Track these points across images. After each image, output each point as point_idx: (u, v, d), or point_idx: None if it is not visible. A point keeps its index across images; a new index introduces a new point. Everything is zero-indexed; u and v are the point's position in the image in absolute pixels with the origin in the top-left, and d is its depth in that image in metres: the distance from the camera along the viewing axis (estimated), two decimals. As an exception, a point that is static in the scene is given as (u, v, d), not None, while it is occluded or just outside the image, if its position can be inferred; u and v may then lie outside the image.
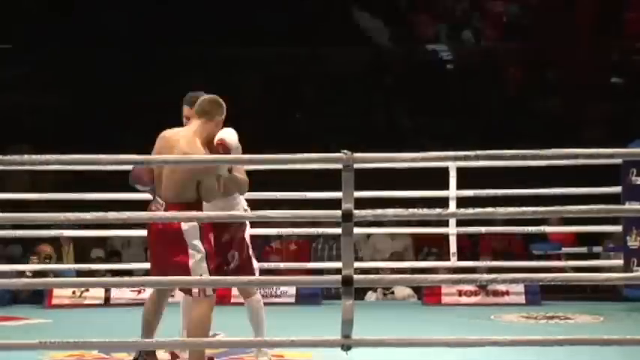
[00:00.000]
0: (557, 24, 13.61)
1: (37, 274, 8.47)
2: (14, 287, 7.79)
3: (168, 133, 5.53)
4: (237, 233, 5.77)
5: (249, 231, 5.84)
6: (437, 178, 8.29)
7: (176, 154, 5.36)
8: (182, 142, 5.38)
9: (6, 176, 11.08)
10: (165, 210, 5.37)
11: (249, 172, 5.83)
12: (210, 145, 5.47)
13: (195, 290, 5.33)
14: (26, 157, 4.97)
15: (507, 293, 8.40)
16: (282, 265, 8.70)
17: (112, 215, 5.18)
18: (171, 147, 5.40)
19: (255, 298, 5.84)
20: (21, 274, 8.44)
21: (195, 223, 5.31)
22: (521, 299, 8.39)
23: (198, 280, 5.33)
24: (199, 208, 5.36)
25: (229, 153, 5.42)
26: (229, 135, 5.48)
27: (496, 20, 14.58)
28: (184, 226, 5.27)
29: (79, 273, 8.76)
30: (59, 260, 9.30)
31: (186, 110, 5.72)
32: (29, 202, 8.66)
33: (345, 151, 4.70)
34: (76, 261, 9.45)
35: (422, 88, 13.69)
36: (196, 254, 5.29)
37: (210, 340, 5.81)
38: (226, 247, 5.73)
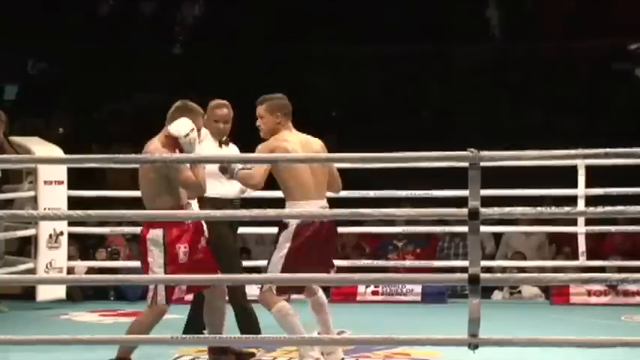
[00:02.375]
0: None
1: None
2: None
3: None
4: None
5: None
6: (565, 175, 8.17)
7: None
8: None
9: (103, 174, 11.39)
10: None
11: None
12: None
13: None
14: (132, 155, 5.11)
15: (638, 293, 8.23)
16: (407, 262, 8.68)
17: (219, 213, 5.26)
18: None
19: (319, 295, 5.71)
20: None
21: None
22: (654, 299, 8.22)
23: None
24: None
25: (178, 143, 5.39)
26: (175, 125, 5.45)
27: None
28: None
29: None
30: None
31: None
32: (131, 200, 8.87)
33: (472, 149, 4.67)
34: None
35: (550, 86, 13.51)
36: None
37: (337, 337, 5.85)
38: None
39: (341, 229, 8.75)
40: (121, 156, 5.06)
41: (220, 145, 6.24)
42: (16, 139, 8.16)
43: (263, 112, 5.59)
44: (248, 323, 6.15)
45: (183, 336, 5.13)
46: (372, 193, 7.97)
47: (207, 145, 6.15)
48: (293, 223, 5.40)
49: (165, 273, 5.36)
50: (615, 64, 13.87)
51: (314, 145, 5.59)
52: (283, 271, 5.38)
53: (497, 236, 9.91)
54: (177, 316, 7.72)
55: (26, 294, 8.25)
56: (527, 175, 7.74)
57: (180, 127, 5.41)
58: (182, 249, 5.39)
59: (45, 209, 7.92)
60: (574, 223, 8.26)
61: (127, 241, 9.21)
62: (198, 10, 15.74)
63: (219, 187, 6.11)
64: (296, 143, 5.53)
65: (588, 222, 8.23)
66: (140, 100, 14.30)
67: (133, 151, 5.59)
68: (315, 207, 5.45)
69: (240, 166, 5.49)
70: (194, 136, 5.40)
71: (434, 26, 13.79)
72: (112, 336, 5.58)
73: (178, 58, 15.23)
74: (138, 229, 8.77)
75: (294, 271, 5.30)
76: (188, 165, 5.39)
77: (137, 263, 8.74)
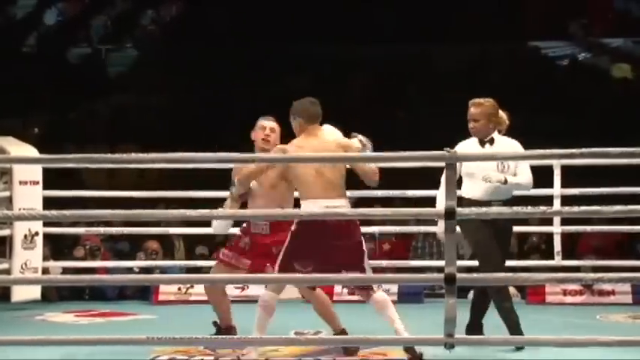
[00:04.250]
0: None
1: (144, 270, 8.61)
2: (122, 283, 7.99)
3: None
4: None
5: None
6: (541, 176, 8.19)
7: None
8: None
9: (115, 174, 11.34)
10: None
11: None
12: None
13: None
14: (134, 155, 5.09)
15: (613, 293, 8.26)
16: (384, 262, 8.68)
17: (217, 212, 5.26)
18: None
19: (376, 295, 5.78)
20: (129, 270, 8.59)
21: None
22: (628, 299, 8.24)
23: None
24: None
25: None
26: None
27: (604, 15, 14.34)
28: None
29: (186, 269, 8.88)
30: (170, 257, 9.44)
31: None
32: (136, 200, 8.83)
33: (448, 148, 4.69)
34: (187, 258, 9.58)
35: (529, 86, 13.55)
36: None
37: (314, 337, 5.85)
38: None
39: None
40: (97, 156, 5.04)
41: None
42: (-9, 140, 8.12)
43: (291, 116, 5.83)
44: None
45: (159, 336, 5.11)
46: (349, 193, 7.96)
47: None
48: (294, 222, 5.59)
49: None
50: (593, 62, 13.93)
51: (331, 147, 5.65)
52: (279, 265, 5.56)
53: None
54: (153, 316, 7.72)
55: (1, 295, 8.20)
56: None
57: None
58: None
59: (20, 209, 7.88)
60: (550, 222, 8.30)
61: (101, 241, 9.17)
62: (175, 10, 15.72)
63: (474, 188, 6.17)
64: (304, 148, 5.65)
65: (564, 222, 8.26)
66: (116, 100, 14.26)
67: (109, 151, 5.57)
68: (319, 206, 5.54)
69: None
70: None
71: (414, 27, 13.81)
72: (86, 336, 5.55)
73: (153, 58, 15.19)
74: (113, 230, 8.87)
75: (288, 267, 5.50)
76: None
77: (116, 263, 8.80)
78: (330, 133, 5.79)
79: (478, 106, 6.21)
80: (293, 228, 5.58)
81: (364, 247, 5.70)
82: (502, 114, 6.32)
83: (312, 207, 5.57)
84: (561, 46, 14.58)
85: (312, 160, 5.58)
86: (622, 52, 14.40)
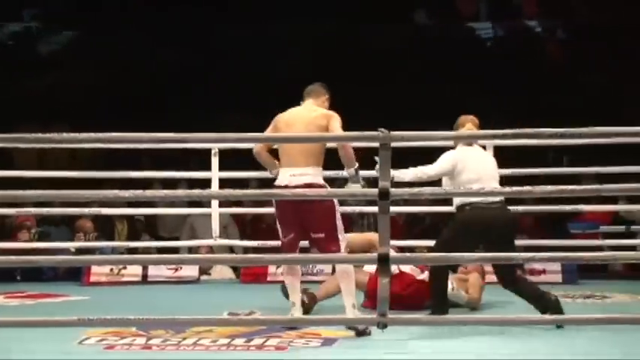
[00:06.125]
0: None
1: (78, 251, 8.52)
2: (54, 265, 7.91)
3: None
4: None
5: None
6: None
7: None
8: None
9: (43, 154, 11.18)
10: None
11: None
12: None
13: None
14: (66, 135, 5.01)
15: (544, 272, 8.36)
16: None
17: (149, 193, 5.21)
18: None
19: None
20: (63, 251, 8.49)
21: None
22: (558, 278, 8.36)
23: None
24: None
25: None
26: None
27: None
28: None
29: (119, 250, 8.81)
30: (108, 238, 9.34)
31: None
32: (68, 180, 8.72)
33: (382, 129, 4.68)
34: (128, 239, 9.50)
35: (462, 66, 13.62)
36: None
37: (247, 318, 5.84)
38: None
39: (256, 210, 8.77)
40: (28, 135, 4.96)
41: None
42: None
43: None
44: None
45: (90, 317, 5.06)
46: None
47: None
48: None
49: None
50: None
51: (309, 115, 6.06)
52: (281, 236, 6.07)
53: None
54: (84, 297, 7.65)
55: None
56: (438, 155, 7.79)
57: None
58: None
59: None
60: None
61: (37, 222, 9.08)
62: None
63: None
64: (288, 112, 6.14)
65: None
66: (48, 79, 14.06)
67: (41, 130, 5.48)
68: (287, 174, 5.96)
69: None
70: None
71: (349, 6, 13.79)
72: (15, 318, 5.47)
73: (86, 37, 15.00)
74: (44, 210, 8.73)
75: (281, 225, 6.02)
76: None
77: (49, 244, 8.67)
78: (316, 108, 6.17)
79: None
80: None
81: (336, 210, 5.94)
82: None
83: (281, 175, 6.01)
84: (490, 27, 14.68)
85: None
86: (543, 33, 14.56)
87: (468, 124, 6.57)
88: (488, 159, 6.67)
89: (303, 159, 5.96)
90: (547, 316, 5.75)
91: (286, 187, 5.89)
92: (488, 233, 6.20)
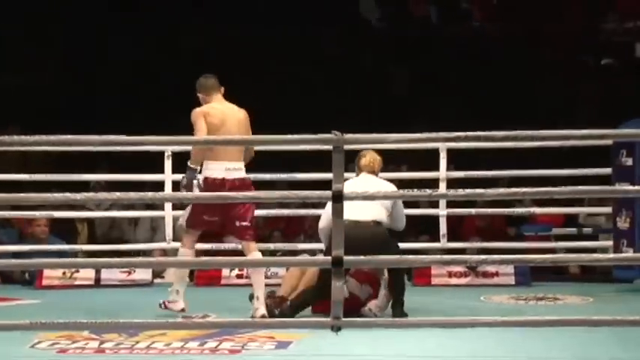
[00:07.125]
0: (546, 4, 13.61)
1: (29, 254, 8.43)
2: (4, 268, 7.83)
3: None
4: None
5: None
6: (428, 159, 8.30)
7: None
8: None
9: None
10: None
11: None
12: None
13: None
14: (16, 137, 4.97)
15: (497, 274, 8.40)
16: (272, 246, 8.66)
17: (102, 196, 5.17)
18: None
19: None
20: (15, 255, 8.40)
21: None
22: (511, 280, 8.39)
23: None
24: None
25: None
26: None
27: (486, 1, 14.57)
28: None
29: (72, 254, 8.72)
30: (73, 239, 9.27)
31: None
32: (20, 183, 8.64)
33: (336, 132, 4.69)
34: (89, 240, 9.44)
35: (416, 67, 13.66)
36: None
37: (201, 321, 5.82)
38: None
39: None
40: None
41: None
42: None
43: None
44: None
45: (42, 321, 5.01)
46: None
47: None
48: (200, 178, 6.35)
49: None
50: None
51: (238, 114, 6.42)
52: (191, 213, 6.36)
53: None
54: (36, 301, 7.58)
55: None
56: (391, 157, 7.81)
57: None
58: None
59: None
60: (436, 205, 8.41)
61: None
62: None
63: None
64: (218, 109, 6.40)
65: (450, 204, 8.38)
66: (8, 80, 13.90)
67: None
68: (221, 168, 6.26)
69: None
70: None
71: (302, 9, 13.77)
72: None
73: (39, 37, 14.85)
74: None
75: (198, 216, 6.28)
76: None
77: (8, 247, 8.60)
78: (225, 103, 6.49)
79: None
80: (200, 185, 6.35)
81: (254, 205, 6.42)
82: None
83: (215, 168, 6.27)
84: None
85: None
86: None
87: (369, 154, 6.62)
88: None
89: (237, 153, 6.35)
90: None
91: (223, 179, 6.24)
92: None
